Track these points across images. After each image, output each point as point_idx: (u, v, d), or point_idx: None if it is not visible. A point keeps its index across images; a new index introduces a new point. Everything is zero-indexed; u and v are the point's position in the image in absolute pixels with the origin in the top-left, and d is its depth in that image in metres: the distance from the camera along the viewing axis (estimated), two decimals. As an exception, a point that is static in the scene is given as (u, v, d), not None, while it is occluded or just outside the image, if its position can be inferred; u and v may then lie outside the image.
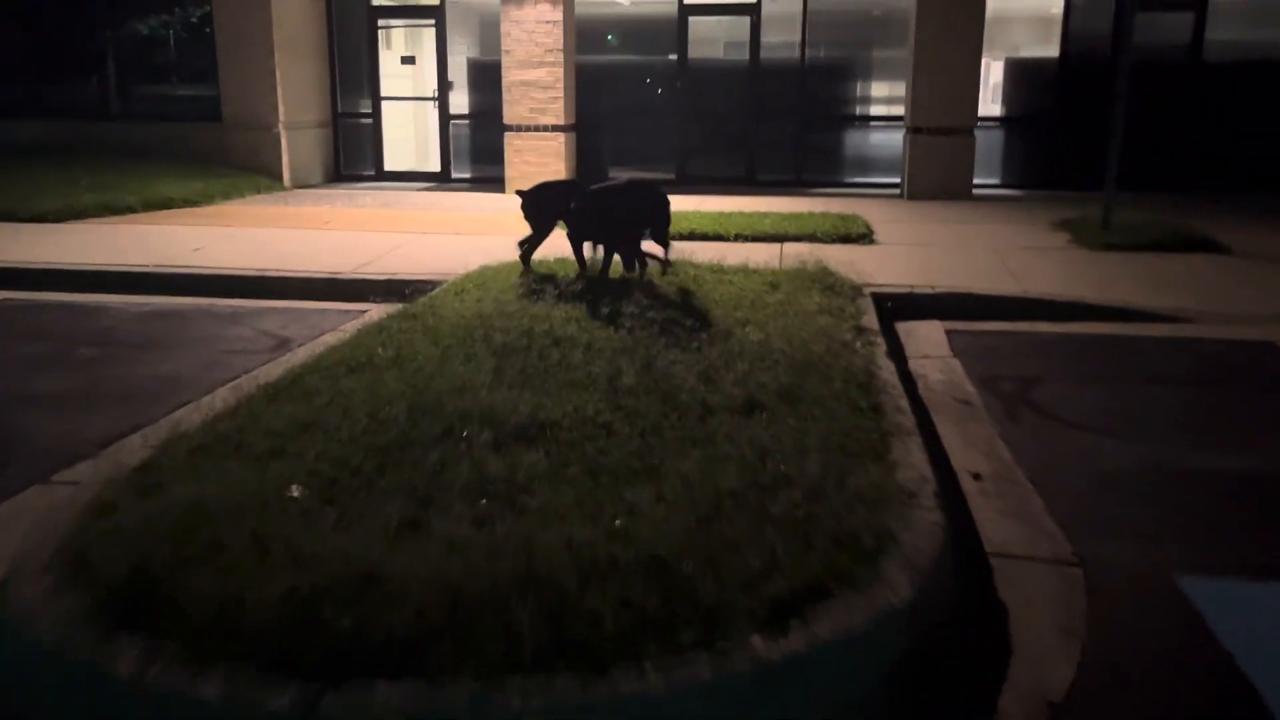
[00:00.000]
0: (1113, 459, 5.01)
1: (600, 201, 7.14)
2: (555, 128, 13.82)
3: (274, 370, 5.77)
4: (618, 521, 3.49)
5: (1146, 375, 6.45)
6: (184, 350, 6.88)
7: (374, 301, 8.12)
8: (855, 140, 15.12)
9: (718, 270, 7.74)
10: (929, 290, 8.13)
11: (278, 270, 8.85)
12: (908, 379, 6.25)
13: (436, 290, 7.39)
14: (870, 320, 7.09)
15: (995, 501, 4.53)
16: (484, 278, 7.60)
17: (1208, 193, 13.36)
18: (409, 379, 4.90)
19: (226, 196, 12.79)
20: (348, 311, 7.98)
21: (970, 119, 13.14)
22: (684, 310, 6.31)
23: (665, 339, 5.56)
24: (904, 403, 5.34)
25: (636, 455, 4.06)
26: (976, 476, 4.80)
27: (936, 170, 13.12)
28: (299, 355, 6.23)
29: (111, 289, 8.54)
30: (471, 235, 10.48)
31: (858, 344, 6.18)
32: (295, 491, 3.77)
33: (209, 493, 3.69)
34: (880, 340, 6.64)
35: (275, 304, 8.26)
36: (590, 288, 6.91)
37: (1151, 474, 4.80)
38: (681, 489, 3.74)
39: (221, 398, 5.29)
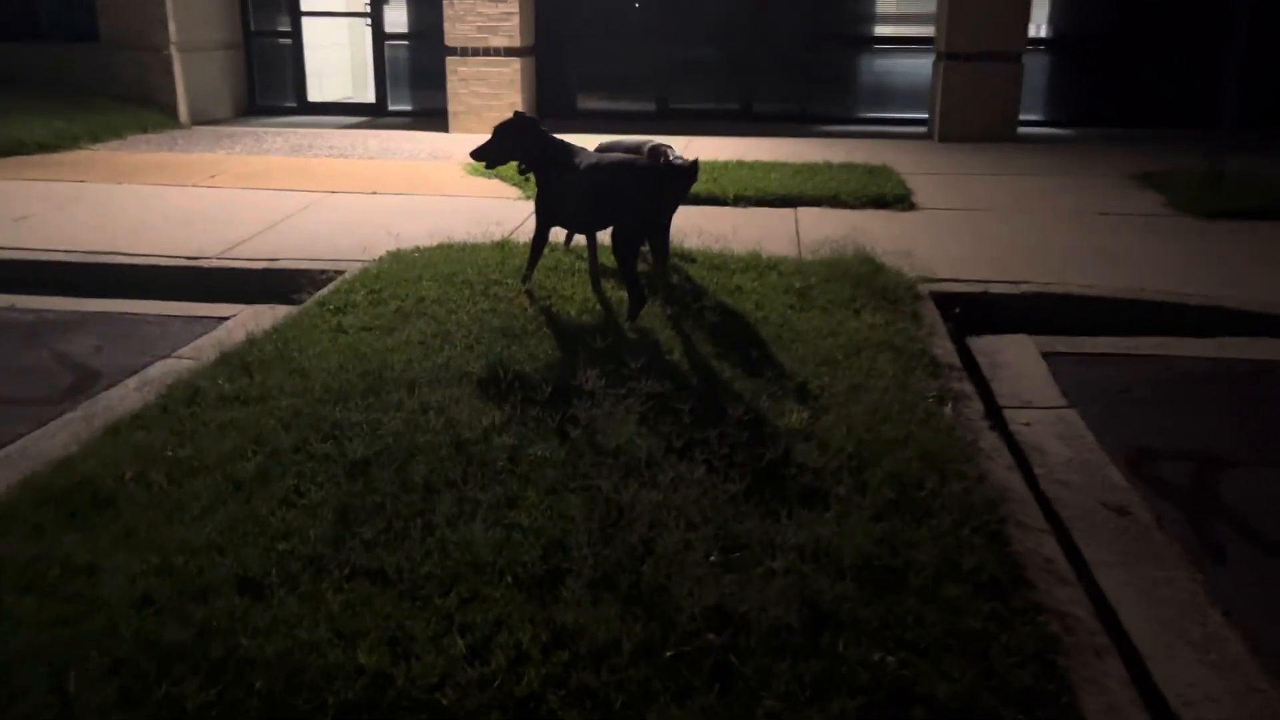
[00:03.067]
0: None
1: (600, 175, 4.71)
2: (509, 51, 11.27)
3: None
4: None
5: (1381, 449, 4.25)
6: (-78, 399, 4.55)
7: (239, 303, 5.82)
8: (873, 67, 12.62)
9: (720, 265, 5.43)
10: (1010, 289, 5.86)
11: (116, 253, 6.47)
12: (1016, 455, 4.05)
13: (309, 302, 5.06)
14: (944, 346, 4.87)
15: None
16: (385, 278, 5.26)
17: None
18: (172, 553, 2.62)
19: (96, 138, 10.22)
20: (200, 319, 5.65)
21: (1019, 41, 10.69)
22: (674, 366, 4.02)
23: (644, 435, 3.29)
24: (1056, 552, 3.16)
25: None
26: (1224, 734, 2.62)
27: (975, 106, 10.72)
28: (59, 435, 3.90)
29: None
30: (392, 194, 8.09)
31: (947, 408, 3.96)
32: None
33: None
34: (968, 387, 4.43)
35: (103, 305, 5.89)
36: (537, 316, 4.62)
37: None
38: None
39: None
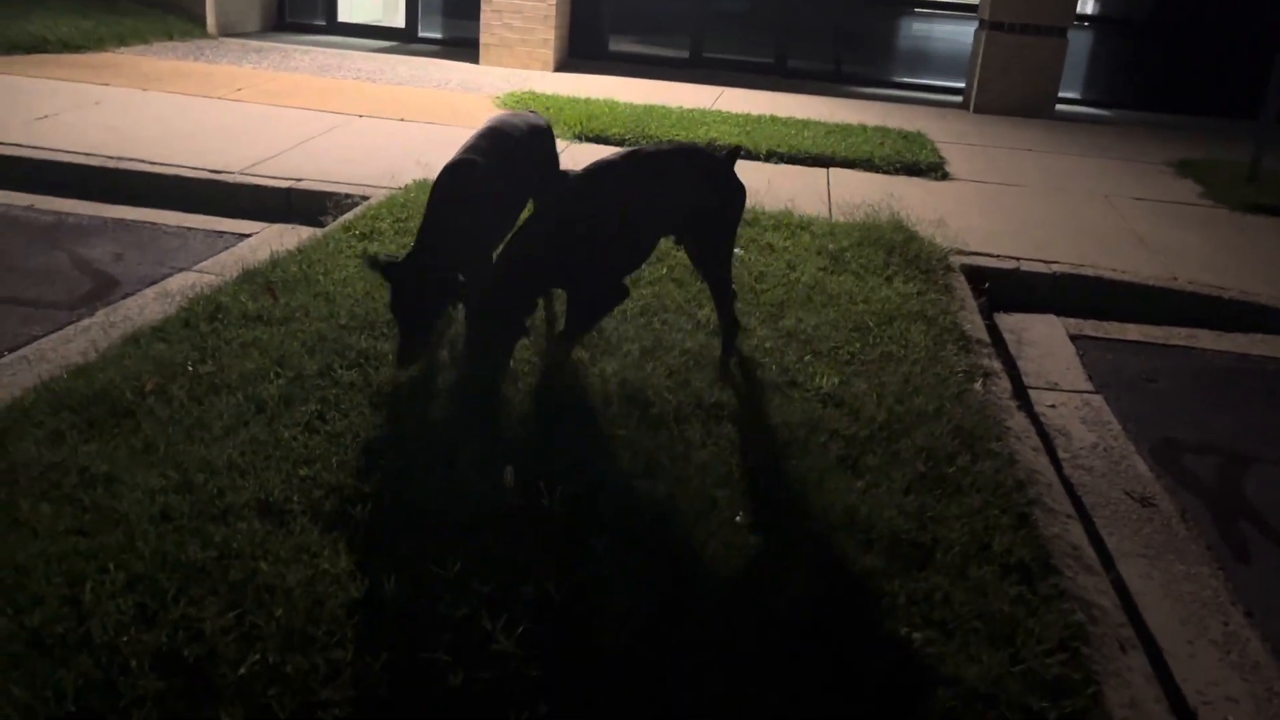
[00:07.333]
0: None
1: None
2: (547, -15, 11.06)
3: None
4: None
5: None
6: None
7: (260, 221, 5.76)
8: (912, 31, 12.39)
9: (752, 221, 5.34)
10: (1042, 268, 5.77)
11: (138, 160, 6.36)
12: (1041, 437, 3.99)
13: (334, 226, 4.99)
14: (974, 321, 4.79)
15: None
16: (411, 207, 5.18)
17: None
18: (192, 471, 2.57)
19: (122, 42, 10.06)
20: (221, 234, 5.58)
21: (1067, 14, 10.45)
22: (707, 321, 3.92)
23: (674, 390, 3.22)
24: (1082, 539, 3.11)
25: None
26: (1240, 735, 2.59)
27: (1016, 78, 10.51)
28: (77, 341, 3.85)
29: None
30: (421, 123, 7.96)
31: (978, 384, 3.90)
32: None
33: None
34: (997, 365, 4.36)
35: (124, 212, 5.82)
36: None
37: None
38: None
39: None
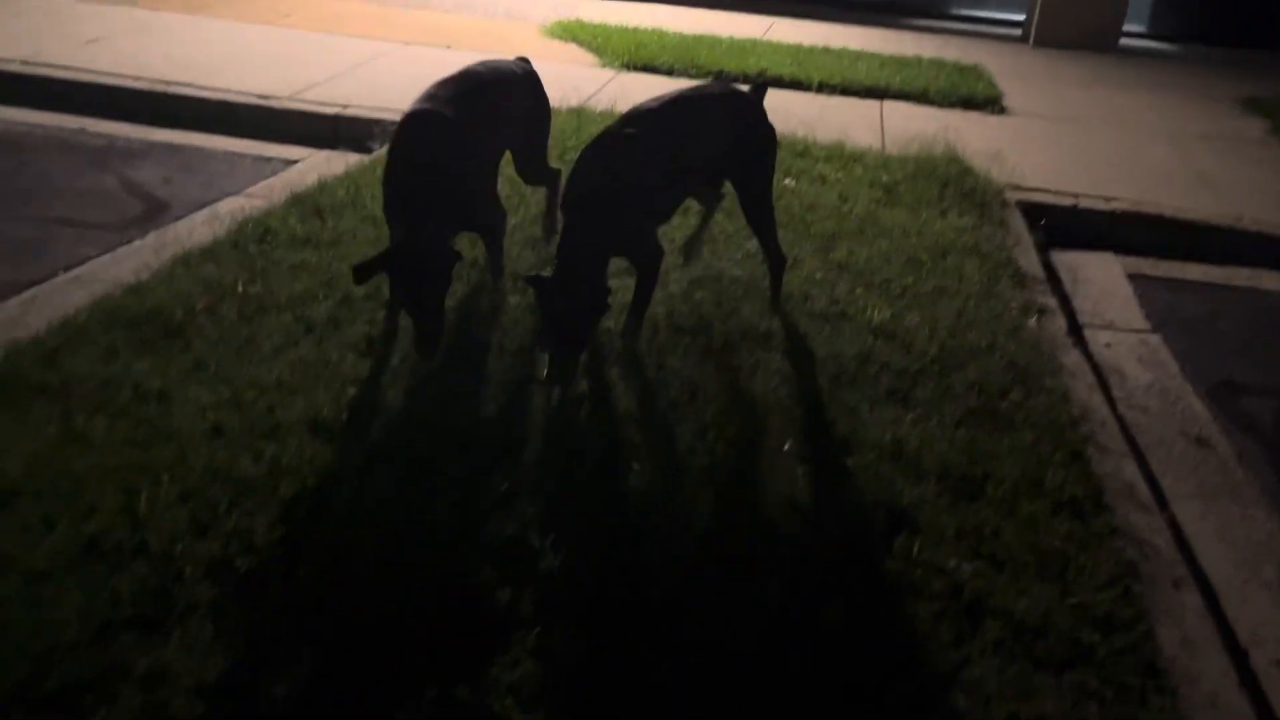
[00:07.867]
0: None
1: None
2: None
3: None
4: None
5: None
6: (-12, 214, 4.54)
7: (308, 147, 5.75)
8: (971, -41, 12.00)
9: (803, 152, 5.23)
10: (1101, 205, 5.61)
11: (186, 85, 6.35)
12: (1095, 375, 3.91)
13: (381, 151, 4.95)
14: (1029, 257, 4.69)
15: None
16: (459, 134, 5.13)
17: None
18: (243, 388, 2.60)
19: (170, -34, 10.05)
20: (269, 160, 5.57)
21: (1134, -56, 10.09)
22: (755, 251, 3.86)
23: (723, 319, 3.18)
24: (1136, 477, 3.05)
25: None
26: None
27: (1077, 10, 10.11)
28: (129, 262, 3.87)
29: (-58, 95, 6.10)
30: (467, 50, 7.84)
31: (1033, 320, 3.82)
32: None
33: None
34: (1052, 302, 4.27)
35: (173, 136, 5.83)
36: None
37: None
38: None
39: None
